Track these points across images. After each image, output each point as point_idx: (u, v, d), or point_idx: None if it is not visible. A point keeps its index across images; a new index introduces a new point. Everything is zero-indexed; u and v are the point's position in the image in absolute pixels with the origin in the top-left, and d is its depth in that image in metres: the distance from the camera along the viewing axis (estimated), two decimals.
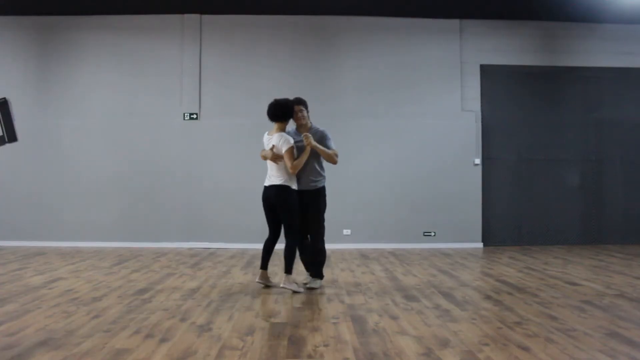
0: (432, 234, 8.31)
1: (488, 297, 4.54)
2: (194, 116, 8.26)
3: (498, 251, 7.84)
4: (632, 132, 8.68)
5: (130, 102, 8.31)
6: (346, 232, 8.20)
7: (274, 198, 4.67)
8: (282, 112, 4.68)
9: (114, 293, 4.61)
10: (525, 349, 3.06)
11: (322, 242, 4.89)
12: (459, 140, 8.38)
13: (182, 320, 3.72)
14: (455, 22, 8.50)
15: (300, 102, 4.78)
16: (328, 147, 4.78)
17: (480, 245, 8.33)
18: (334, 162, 4.81)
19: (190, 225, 8.16)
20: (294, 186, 4.69)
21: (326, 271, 5.92)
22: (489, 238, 8.41)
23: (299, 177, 4.75)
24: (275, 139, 4.65)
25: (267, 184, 4.76)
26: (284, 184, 4.64)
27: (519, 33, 8.61)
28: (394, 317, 3.82)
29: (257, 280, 4.88)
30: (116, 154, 8.24)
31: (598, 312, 3.97)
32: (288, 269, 4.67)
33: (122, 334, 3.34)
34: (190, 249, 7.92)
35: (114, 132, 8.27)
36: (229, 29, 8.40)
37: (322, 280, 5.01)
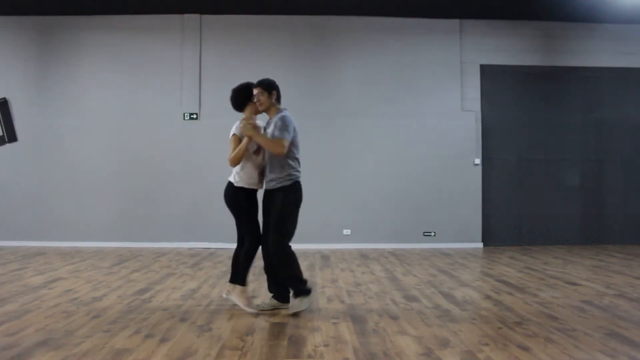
0: (432, 234, 8.31)
1: (488, 297, 4.54)
2: (194, 116, 8.27)
3: (498, 251, 7.84)
4: (632, 132, 8.68)
5: (130, 102, 8.31)
6: (346, 232, 8.20)
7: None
8: (233, 101, 4.19)
9: (114, 293, 4.61)
10: (525, 349, 3.06)
11: (283, 253, 3.92)
12: (459, 140, 8.38)
13: (182, 320, 3.72)
14: (455, 22, 8.50)
15: (259, 84, 4.09)
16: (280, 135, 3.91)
17: (480, 245, 8.33)
18: (276, 152, 3.90)
19: (190, 225, 8.16)
20: (243, 183, 4.01)
21: (326, 271, 5.92)
22: (489, 238, 8.41)
23: (265, 174, 4.07)
24: None
25: None
26: (229, 179, 4.09)
27: (519, 33, 8.61)
28: (394, 317, 3.82)
29: (224, 294, 4.16)
30: (116, 154, 8.24)
31: (598, 312, 3.97)
32: (232, 278, 4.10)
33: (122, 334, 3.34)
34: (190, 249, 7.92)
35: (114, 132, 8.27)
36: (229, 29, 8.40)
37: (309, 298, 3.97)
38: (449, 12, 8.33)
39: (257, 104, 4.08)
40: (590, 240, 8.54)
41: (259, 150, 4.05)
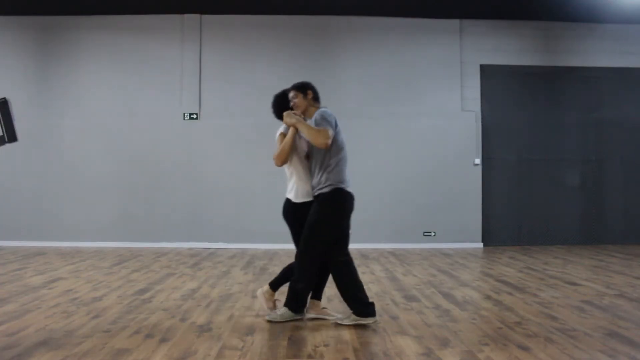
0: (432, 234, 8.31)
1: (488, 297, 4.54)
2: (194, 116, 8.26)
3: (498, 251, 7.84)
4: (632, 132, 8.68)
5: (130, 102, 8.31)
6: None
7: None
8: (273, 108, 3.94)
9: (114, 293, 4.61)
10: (525, 349, 3.06)
11: (303, 264, 3.63)
12: (459, 140, 8.38)
13: (182, 320, 3.72)
14: (455, 22, 8.50)
15: (292, 87, 3.89)
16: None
17: (480, 245, 8.33)
18: (319, 143, 3.58)
19: (190, 225, 8.16)
20: (299, 198, 3.72)
21: None
22: (489, 238, 8.41)
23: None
24: None
25: None
26: (287, 196, 3.79)
27: (519, 33, 8.61)
28: (394, 317, 3.82)
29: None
30: (116, 154, 8.24)
31: (598, 312, 3.97)
32: (272, 283, 3.86)
33: (122, 334, 3.34)
34: (190, 249, 7.92)
35: (114, 132, 8.27)
36: (229, 29, 8.40)
37: (293, 315, 3.71)
38: (449, 12, 8.33)
39: (294, 107, 3.82)
40: (590, 240, 8.54)
41: (309, 155, 3.78)
